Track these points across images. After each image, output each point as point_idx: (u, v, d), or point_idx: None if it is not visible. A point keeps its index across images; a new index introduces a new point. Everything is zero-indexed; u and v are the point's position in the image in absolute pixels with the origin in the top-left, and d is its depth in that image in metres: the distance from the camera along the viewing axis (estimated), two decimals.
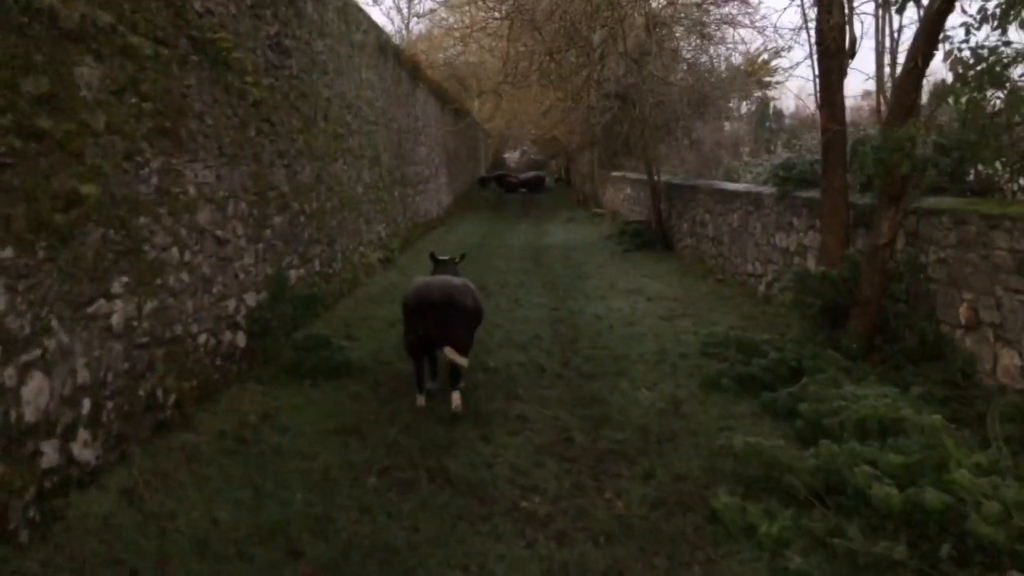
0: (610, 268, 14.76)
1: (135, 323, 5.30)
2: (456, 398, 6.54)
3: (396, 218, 16.86)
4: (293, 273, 9.04)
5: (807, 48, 7.76)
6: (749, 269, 11.97)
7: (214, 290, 6.75)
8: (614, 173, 26.13)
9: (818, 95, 7.86)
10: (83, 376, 4.67)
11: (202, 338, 6.44)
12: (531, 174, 44.70)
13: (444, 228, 22.71)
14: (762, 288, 11.26)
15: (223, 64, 7.18)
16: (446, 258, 8.29)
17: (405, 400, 6.80)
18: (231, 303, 7.11)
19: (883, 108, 7.11)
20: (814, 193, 9.48)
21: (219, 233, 6.90)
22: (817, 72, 7.83)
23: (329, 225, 10.82)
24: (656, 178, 17.44)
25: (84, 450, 4.61)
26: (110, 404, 4.94)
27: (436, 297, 6.65)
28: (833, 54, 7.62)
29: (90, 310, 4.77)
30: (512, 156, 67.18)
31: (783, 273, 10.44)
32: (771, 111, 40.63)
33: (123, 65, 5.34)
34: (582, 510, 4.75)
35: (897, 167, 6.29)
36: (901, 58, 6.91)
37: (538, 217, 27.49)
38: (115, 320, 5.04)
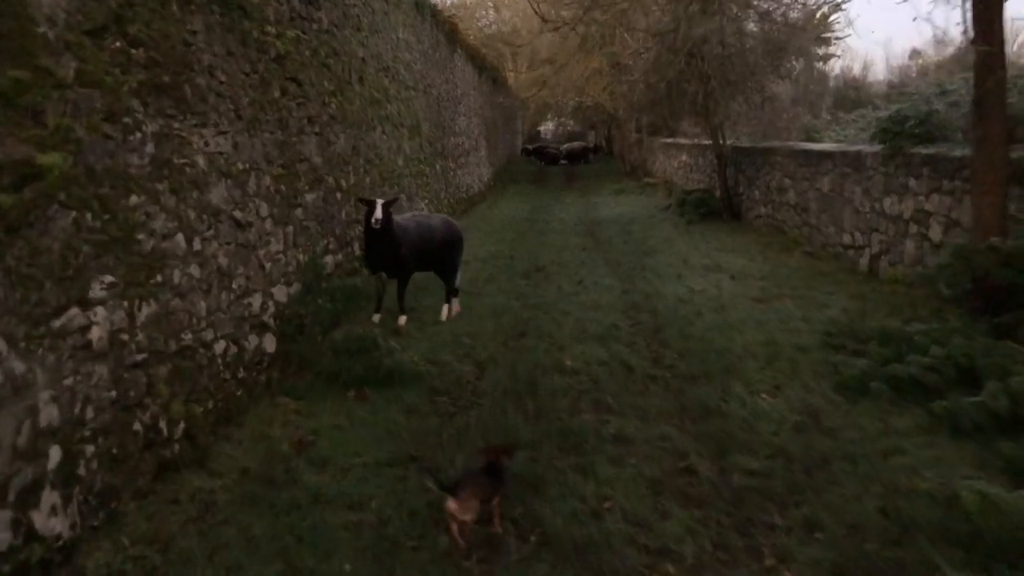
0: (677, 242, 13.27)
1: (125, 336, 4.03)
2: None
3: (439, 194, 15.53)
4: (330, 259, 7.76)
5: None
6: (846, 240, 10.43)
7: (234, 285, 5.48)
8: (664, 140, 24.51)
9: (968, 22, 6.30)
10: (49, 415, 3.41)
11: (219, 346, 5.17)
12: (574, 144, 42.41)
13: (487, 204, 21.33)
14: (864, 261, 9.73)
15: (238, 8, 5.87)
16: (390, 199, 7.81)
17: (472, 412, 5.53)
18: (256, 300, 5.84)
19: None
20: (936, 149, 8.04)
21: (238, 215, 5.62)
22: None
23: None
24: (722, 142, 15.85)
25: (51, 519, 3.35)
26: (91, 449, 3.68)
27: None
28: None
29: (57, 324, 3.50)
30: (547, 128, 65.35)
31: (894, 244, 8.94)
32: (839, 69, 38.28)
33: None
34: None
35: None
36: None
37: (583, 189, 25.96)
38: (95, 334, 3.77)
